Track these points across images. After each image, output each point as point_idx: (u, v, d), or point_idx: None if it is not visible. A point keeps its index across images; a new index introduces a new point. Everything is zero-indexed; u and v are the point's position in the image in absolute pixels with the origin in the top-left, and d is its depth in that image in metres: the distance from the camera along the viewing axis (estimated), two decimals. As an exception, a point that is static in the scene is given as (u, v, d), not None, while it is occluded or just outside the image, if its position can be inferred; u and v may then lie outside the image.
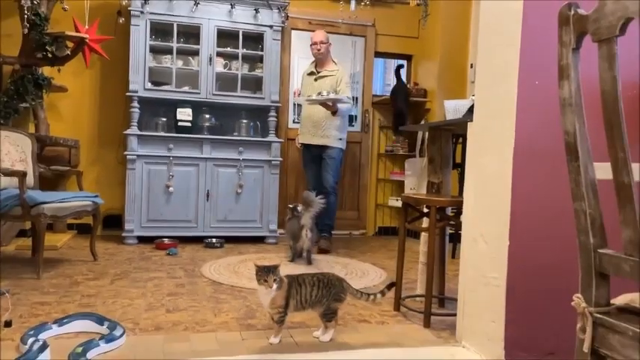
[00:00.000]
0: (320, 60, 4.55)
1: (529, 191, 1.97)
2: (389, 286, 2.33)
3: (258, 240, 4.73)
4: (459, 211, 2.71)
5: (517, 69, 1.95)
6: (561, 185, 1.92)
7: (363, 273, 3.63)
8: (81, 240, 4.41)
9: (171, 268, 3.54)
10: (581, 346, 1.08)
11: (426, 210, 2.71)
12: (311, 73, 4.60)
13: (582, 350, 1.07)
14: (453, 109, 2.69)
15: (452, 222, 2.69)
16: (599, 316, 1.06)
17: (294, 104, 5.36)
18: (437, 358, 2.07)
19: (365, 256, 4.32)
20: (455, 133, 3.11)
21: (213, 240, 4.49)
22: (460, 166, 4.30)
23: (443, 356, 2.10)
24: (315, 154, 4.55)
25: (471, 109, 2.35)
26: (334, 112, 4.39)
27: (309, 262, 3.86)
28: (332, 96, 4.31)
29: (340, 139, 4.50)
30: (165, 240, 4.36)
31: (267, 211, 4.73)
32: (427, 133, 3.05)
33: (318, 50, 4.48)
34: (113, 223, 4.81)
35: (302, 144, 4.64)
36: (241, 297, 2.88)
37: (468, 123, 2.26)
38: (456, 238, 4.37)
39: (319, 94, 4.36)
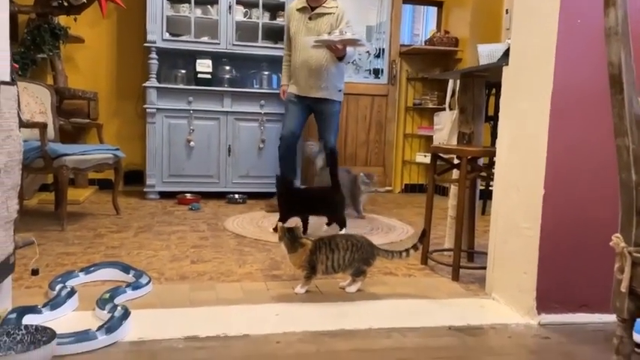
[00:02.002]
0: None
1: (567, 137, 1.94)
2: (420, 239, 2.34)
3: (281, 196, 4.77)
4: (490, 163, 2.70)
5: (558, 7, 1.89)
6: (601, 131, 1.90)
7: (389, 229, 3.66)
8: (103, 195, 4.53)
9: (194, 222, 3.63)
10: (618, 287, 1.09)
11: (456, 161, 2.71)
12: (303, 9, 4.07)
13: (620, 290, 1.08)
14: (487, 54, 2.63)
15: (483, 173, 2.68)
16: (638, 255, 1.06)
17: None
18: (466, 309, 2.10)
19: (391, 212, 4.35)
20: (488, 81, 3.06)
21: (236, 196, 4.56)
22: (493, 119, 4.25)
23: (472, 307, 2.13)
24: (305, 106, 4.15)
25: (506, 53, 2.30)
26: (341, 58, 3.95)
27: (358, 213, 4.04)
28: (349, 35, 3.78)
29: (340, 90, 4.15)
30: (188, 195, 4.45)
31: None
32: (458, 83, 3.01)
33: None
34: (134, 179, 4.91)
35: (295, 95, 4.15)
36: (265, 250, 2.95)
37: (503, 67, 2.22)
38: (486, 195, 4.36)
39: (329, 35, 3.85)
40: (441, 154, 2.70)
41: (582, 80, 1.92)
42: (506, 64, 2.20)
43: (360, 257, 2.22)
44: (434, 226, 3.20)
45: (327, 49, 3.90)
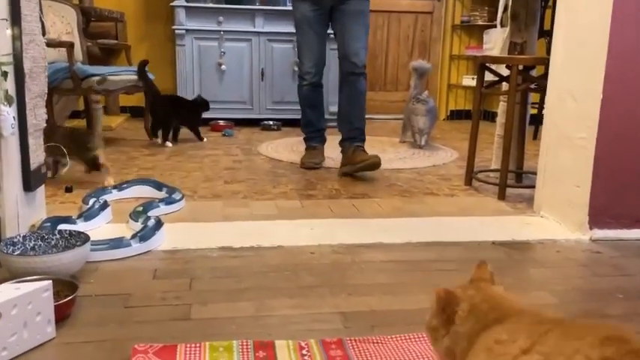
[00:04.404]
0: None
1: (630, 38, 1.83)
2: None
3: (318, 122, 4.75)
4: (545, 74, 2.59)
5: None
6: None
7: (432, 152, 3.61)
8: (135, 122, 4.60)
9: (227, 147, 3.67)
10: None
11: (506, 74, 2.60)
12: None
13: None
14: (543, -51, 2.47)
15: (535, 83, 2.57)
16: None
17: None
18: (511, 226, 2.08)
19: (434, 138, 4.27)
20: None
21: (270, 122, 4.56)
22: (549, 34, 4.03)
23: (518, 224, 2.10)
24: (325, 15, 3.06)
25: (566, -54, 2.15)
26: None
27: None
28: None
29: None
30: (220, 122, 4.48)
31: (327, 92, 4.68)
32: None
33: None
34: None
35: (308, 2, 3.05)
36: (300, 172, 2.97)
37: (562, -39, 2.09)
38: (538, 120, 4.22)
39: None
40: (490, 65, 2.61)
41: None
42: (566, -43, 2.06)
43: (80, 144, 2.47)
44: (480, 150, 3.12)
45: None
